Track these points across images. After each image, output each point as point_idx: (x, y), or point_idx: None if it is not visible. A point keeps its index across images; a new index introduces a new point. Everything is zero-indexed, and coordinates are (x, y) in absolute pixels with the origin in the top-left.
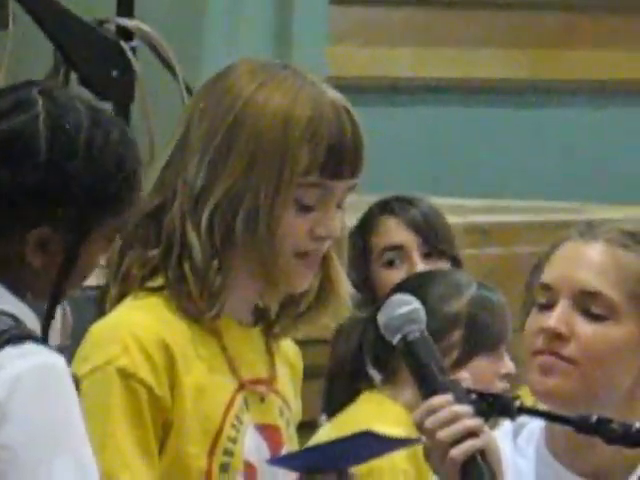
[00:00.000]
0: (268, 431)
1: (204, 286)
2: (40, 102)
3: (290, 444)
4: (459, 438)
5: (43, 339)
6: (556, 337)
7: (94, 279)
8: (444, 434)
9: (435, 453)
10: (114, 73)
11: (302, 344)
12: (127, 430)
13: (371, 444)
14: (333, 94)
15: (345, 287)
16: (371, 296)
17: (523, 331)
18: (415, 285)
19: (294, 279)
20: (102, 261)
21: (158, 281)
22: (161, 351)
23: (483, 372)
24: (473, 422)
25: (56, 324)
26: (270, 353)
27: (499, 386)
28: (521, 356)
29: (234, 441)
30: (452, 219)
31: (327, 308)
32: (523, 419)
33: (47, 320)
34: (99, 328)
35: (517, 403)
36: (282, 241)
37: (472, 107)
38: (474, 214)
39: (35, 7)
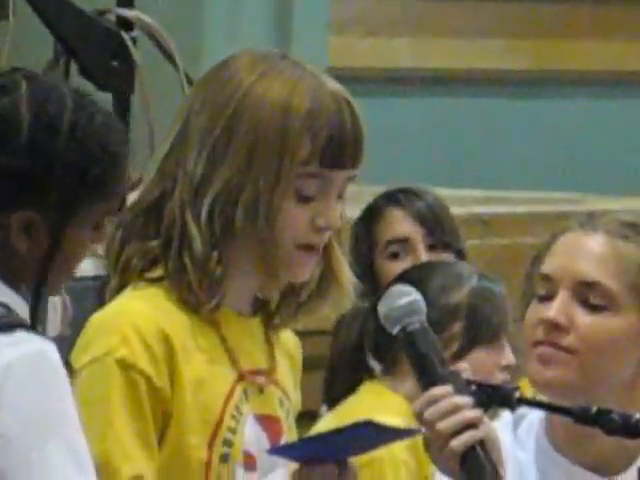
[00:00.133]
0: (267, 421)
1: (204, 277)
2: (24, 86)
3: (289, 435)
4: (459, 429)
5: (34, 327)
6: (555, 328)
7: (93, 269)
8: (444, 425)
9: (435, 444)
10: (114, 63)
11: (302, 335)
12: (127, 421)
13: (371, 434)
14: (333, 85)
15: (347, 277)
16: (373, 287)
17: (523, 322)
18: (416, 276)
19: (295, 270)
20: (100, 251)
21: (158, 272)
22: (161, 342)
23: (483, 363)
24: (473, 413)
25: (56, 314)
26: (270, 344)
27: (499, 377)
28: (521, 347)
29: (234, 432)
30: (452, 210)
31: (328, 298)
32: (523, 410)
33: (33, 307)
34: (99, 318)
35: (517, 394)
36: (282, 232)
37: (472, 98)
38: (474, 205)
39: None
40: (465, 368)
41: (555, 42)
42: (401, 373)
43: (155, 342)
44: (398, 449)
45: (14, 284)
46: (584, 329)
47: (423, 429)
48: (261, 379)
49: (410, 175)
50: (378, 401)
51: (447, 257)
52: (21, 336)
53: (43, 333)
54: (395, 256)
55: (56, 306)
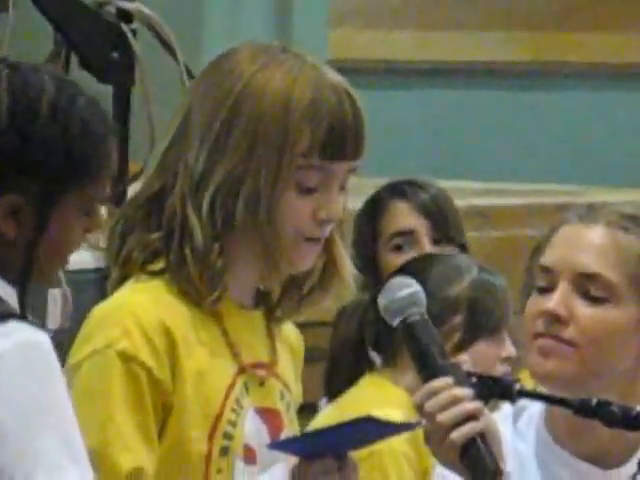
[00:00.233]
0: (268, 415)
1: (205, 269)
2: (3, 72)
3: (290, 428)
4: (459, 421)
5: (24, 316)
6: (556, 320)
7: (93, 262)
8: (444, 417)
9: (435, 436)
10: (114, 55)
11: (302, 327)
12: (127, 413)
13: (372, 429)
14: (333, 76)
15: (348, 269)
16: (376, 279)
17: (523, 314)
18: (416, 268)
19: (296, 261)
20: (101, 243)
21: (159, 264)
22: (162, 335)
23: (484, 356)
24: (473, 405)
25: (56, 306)
26: (271, 336)
27: (500, 370)
28: (521, 339)
29: (234, 425)
30: None
31: (330, 291)
32: (523, 402)
33: (21, 295)
34: (100, 311)
35: (517, 386)
36: (283, 224)
37: (472, 90)
38: (474, 197)
39: None
40: (465, 360)
41: (555, 34)
42: (401, 365)
43: (156, 335)
44: (398, 441)
45: (4, 273)
46: (584, 321)
47: (423, 421)
48: (262, 372)
49: (409, 167)
50: (379, 393)
51: (450, 251)
52: (13, 326)
53: (36, 323)
54: (399, 249)
55: (56, 298)
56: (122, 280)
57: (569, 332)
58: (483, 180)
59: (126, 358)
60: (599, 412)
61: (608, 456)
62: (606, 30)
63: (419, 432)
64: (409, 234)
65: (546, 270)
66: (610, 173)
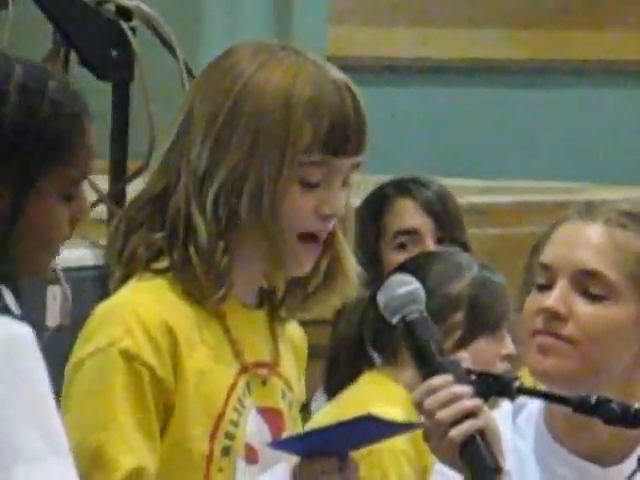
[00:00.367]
0: (269, 414)
1: (210, 268)
2: None
3: (293, 427)
4: (458, 418)
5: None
6: (555, 317)
7: (93, 259)
8: (443, 414)
9: (434, 433)
10: (114, 53)
11: (302, 324)
12: (129, 412)
13: (373, 428)
14: (335, 72)
15: (352, 267)
16: (378, 276)
17: (522, 312)
18: (416, 266)
19: (300, 259)
20: (101, 241)
21: (163, 263)
22: (164, 334)
23: (484, 353)
24: (472, 402)
25: (55, 304)
26: (274, 335)
27: (500, 367)
28: (521, 337)
29: (236, 424)
30: None
31: (335, 289)
32: (523, 400)
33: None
34: (103, 309)
35: (516, 383)
36: (287, 220)
37: (471, 87)
38: (474, 195)
39: None
40: (464, 357)
41: (554, 32)
42: (401, 363)
43: (159, 334)
44: (397, 439)
45: None
46: (584, 318)
47: (423, 419)
48: (264, 371)
49: (409, 164)
50: (378, 391)
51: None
52: None
53: (18, 316)
54: (402, 247)
55: (56, 296)
56: (125, 279)
57: (568, 329)
58: (482, 178)
59: (128, 357)
60: (598, 409)
61: (607, 453)
62: (605, 28)
63: (419, 430)
64: (413, 233)
65: (545, 267)
66: (609, 171)
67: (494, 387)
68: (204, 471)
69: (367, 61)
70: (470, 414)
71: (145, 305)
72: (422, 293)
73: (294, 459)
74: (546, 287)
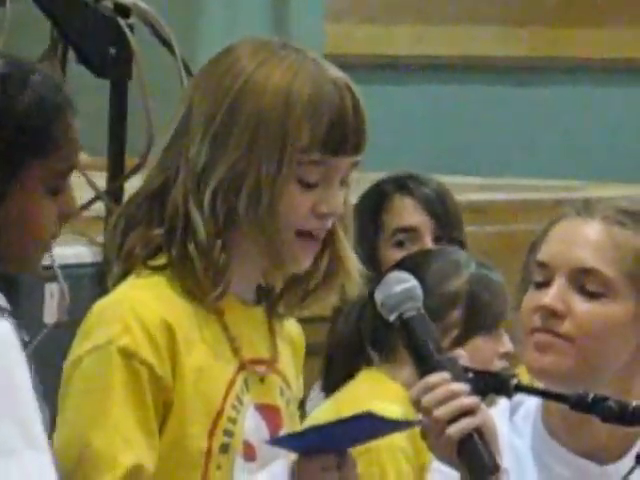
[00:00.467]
0: (267, 411)
1: (208, 265)
2: None
3: (291, 424)
4: (456, 416)
5: None
6: (552, 315)
7: (90, 256)
8: (441, 412)
9: (432, 431)
10: (112, 51)
11: (300, 321)
12: (128, 410)
13: (371, 426)
14: (334, 71)
15: (353, 264)
16: (375, 274)
17: (520, 309)
18: (414, 263)
19: (297, 256)
20: (99, 238)
21: (162, 260)
22: (163, 331)
23: (482, 351)
24: (470, 400)
25: (53, 300)
26: (272, 332)
27: (498, 365)
28: (518, 335)
29: (234, 422)
30: None
31: (335, 287)
32: (520, 397)
33: None
34: (102, 306)
35: (514, 381)
36: (285, 218)
37: (470, 85)
38: (472, 192)
39: None
40: (462, 355)
41: (552, 29)
42: (399, 360)
43: (157, 332)
44: (395, 436)
45: None
46: (581, 316)
47: (420, 416)
48: (262, 368)
49: (407, 162)
50: (376, 388)
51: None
52: None
53: (10, 311)
54: (401, 245)
55: (53, 293)
56: (124, 275)
57: (566, 327)
58: (480, 175)
59: (127, 354)
60: (596, 407)
61: (605, 451)
62: (603, 25)
63: (416, 428)
64: (412, 231)
65: (542, 265)
66: (608, 168)
67: (491, 385)
68: (202, 468)
69: (365, 59)
70: (467, 412)
71: (143, 302)
72: (419, 291)
73: (292, 456)
74: (544, 285)
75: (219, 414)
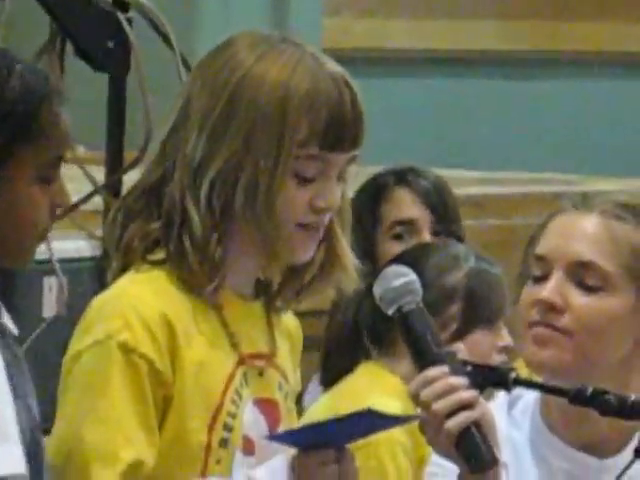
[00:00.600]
0: (266, 405)
1: (204, 259)
2: None
3: (288, 418)
4: (454, 410)
5: None
6: (550, 308)
7: (89, 250)
8: (439, 406)
9: (431, 425)
10: (110, 44)
11: (298, 315)
12: (128, 404)
13: (370, 421)
14: (333, 66)
15: (350, 258)
16: (373, 267)
17: (518, 303)
18: (412, 257)
19: (295, 251)
20: (98, 232)
21: (160, 254)
22: (162, 326)
23: (481, 345)
24: (468, 394)
25: (52, 295)
26: (270, 327)
27: (497, 359)
28: (517, 328)
29: (233, 416)
30: None
31: (331, 280)
32: (519, 391)
33: None
34: (101, 301)
35: (512, 375)
36: (282, 213)
37: (468, 79)
38: (470, 186)
39: None
40: (460, 349)
41: (552, 23)
42: (397, 354)
43: (157, 327)
44: (394, 430)
45: None
46: (579, 309)
47: (419, 410)
48: (261, 363)
49: (405, 156)
50: (374, 382)
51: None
52: None
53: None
54: (399, 237)
55: (52, 287)
56: (123, 269)
57: (564, 321)
58: (479, 169)
59: (127, 349)
60: (594, 401)
61: (603, 445)
62: (603, 19)
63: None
64: (410, 224)
65: (540, 259)
66: (607, 162)
67: (490, 378)
68: (202, 462)
69: (363, 53)
70: (466, 405)
71: (143, 297)
72: (418, 284)
73: (291, 451)
74: (542, 279)
75: (219, 408)
